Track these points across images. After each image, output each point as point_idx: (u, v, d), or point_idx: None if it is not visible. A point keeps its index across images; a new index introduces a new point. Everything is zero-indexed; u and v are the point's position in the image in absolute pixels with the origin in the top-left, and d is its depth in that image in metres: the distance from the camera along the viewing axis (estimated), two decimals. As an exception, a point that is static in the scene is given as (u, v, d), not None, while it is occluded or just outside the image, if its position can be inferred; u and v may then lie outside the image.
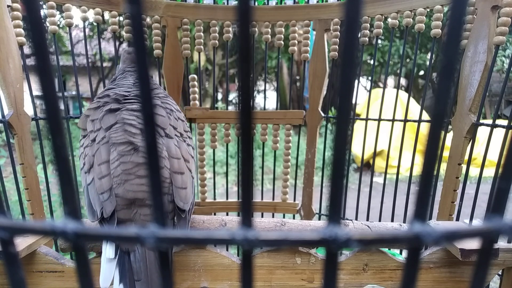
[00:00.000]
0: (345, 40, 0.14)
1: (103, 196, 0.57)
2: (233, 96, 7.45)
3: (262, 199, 1.25)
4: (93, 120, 0.64)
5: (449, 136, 0.90)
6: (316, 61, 1.08)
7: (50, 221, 0.16)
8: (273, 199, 1.20)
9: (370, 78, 2.19)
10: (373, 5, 0.96)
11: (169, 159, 0.62)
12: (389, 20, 0.96)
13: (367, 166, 3.81)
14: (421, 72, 6.43)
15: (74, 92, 6.51)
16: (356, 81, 1.18)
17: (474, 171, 2.28)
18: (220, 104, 5.49)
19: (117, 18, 0.98)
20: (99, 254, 0.67)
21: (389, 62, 1.03)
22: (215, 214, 1.17)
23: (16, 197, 0.90)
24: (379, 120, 1.03)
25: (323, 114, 1.11)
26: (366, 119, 1.06)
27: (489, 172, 1.09)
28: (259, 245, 0.15)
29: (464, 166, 0.85)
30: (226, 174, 1.18)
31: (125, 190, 0.57)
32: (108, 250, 0.56)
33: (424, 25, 0.90)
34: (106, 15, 1.02)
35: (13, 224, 0.15)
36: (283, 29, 1.06)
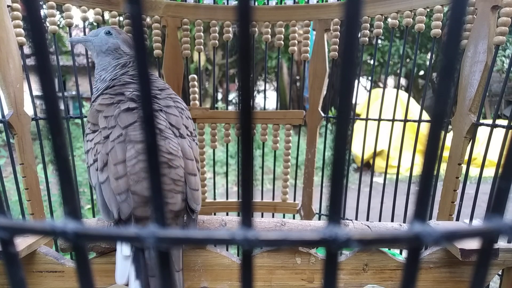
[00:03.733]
0: (345, 40, 0.14)
1: (121, 197, 0.57)
2: (233, 96, 7.45)
3: (262, 199, 1.25)
4: (107, 116, 0.63)
5: (449, 136, 0.90)
6: (316, 61, 1.08)
7: (50, 221, 0.16)
8: (273, 199, 1.20)
9: (370, 78, 2.19)
10: (373, 5, 0.96)
11: (184, 159, 0.63)
12: (389, 20, 0.96)
13: (367, 166, 3.81)
14: (421, 72, 6.42)
15: (74, 92, 6.51)
16: (356, 81, 1.18)
17: (474, 171, 2.28)
18: (220, 104, 5.48)
19: (117, 18, 0.98)
20: (100, 254, 0.67)
21: (389, 62, 1.03)
22: (215, 214, 1.17)
23: (16, 197, 0.90)
24: (379, 120, 1.03)
25: (323, 114, 1.11)
26: (366, 119, 1.06)
27: (489, 172, 1.09)
28: (259, 245, 0.15)
29: (464, 166, 0.85)
30: (226, 174, 1.18)
31: (143, 188, 0.57)
32: (123, 248, 0.56)
33: (424, 25, 0.90)
34: (106, 15, 1.02)
35: (13, 224, 0.15)
36: (283, 29, 1.06)
